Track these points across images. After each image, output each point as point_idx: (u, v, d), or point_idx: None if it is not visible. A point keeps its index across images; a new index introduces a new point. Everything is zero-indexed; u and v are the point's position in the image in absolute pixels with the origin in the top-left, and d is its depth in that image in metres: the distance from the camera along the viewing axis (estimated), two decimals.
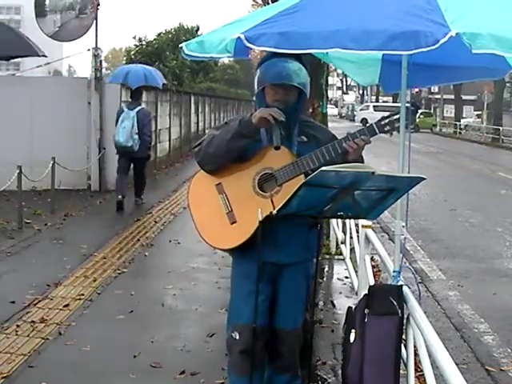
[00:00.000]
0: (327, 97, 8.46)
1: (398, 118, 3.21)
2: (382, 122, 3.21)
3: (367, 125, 3.22)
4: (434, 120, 48.89)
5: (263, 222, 3.09)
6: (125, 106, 10.52)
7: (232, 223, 3.26)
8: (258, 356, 3.35)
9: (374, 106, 50.74)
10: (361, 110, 54.15)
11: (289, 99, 3.24)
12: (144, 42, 19.65)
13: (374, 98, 66.83)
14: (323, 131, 3.47)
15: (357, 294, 5.35)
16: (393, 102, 52.84)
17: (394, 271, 3.48)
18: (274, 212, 2.98)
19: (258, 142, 3.29)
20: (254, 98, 3.41)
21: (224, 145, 3.23)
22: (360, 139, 3.15)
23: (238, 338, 3.34)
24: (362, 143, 3.16)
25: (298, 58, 3.25)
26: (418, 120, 40.29)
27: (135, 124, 9.87)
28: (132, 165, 10.59)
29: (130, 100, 10.67)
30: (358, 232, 6.08)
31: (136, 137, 9.91)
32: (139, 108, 10.22)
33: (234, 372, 3.45)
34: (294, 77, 3.18)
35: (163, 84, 12.69)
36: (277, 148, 3.14)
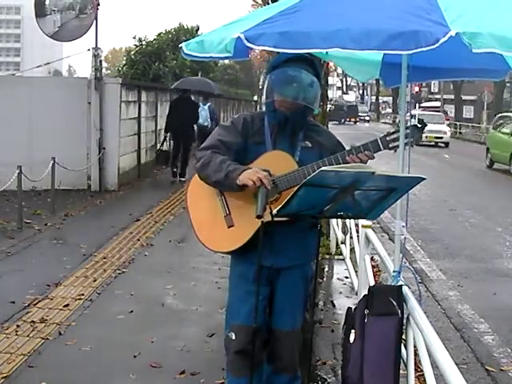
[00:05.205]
0: (327, 97, 8.47)
1: (404, 135, 3.20)
2: (388, 138, 3.19)
3: (372, 140, 3.21)
4: None
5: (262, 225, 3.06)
6: (201, 103, 16.48)
7: (229, 227, 3.24)
8: (256, 356, 3.33)
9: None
10: None
11: (297, 106, 3.21)
12: (144, 42, 19.57)
13: (373, 97, 66.79)
14: (328, 137, 3.44)
15: (357, 294, 5.35)
16: (393, 101, 53.03)
17: (393, 271, 3.48)
18: (274, 212, 2.96)
19: (261, 144, 3.27)
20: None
21: (211, 180, 3.21)
22: (364, 154, 3.14)
23: (234, 338, 3.33)
24: (365, 158, 3.15)
25: (311, 64, 3.22)
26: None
27: (208, 113, 16.36)
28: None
29: (203, 100, 17.00)
30: (357, 232, 6.08)
31: (209, 120, 16.30)
32: (209, 104, 16.79)
33: (230, 372, 3.45)
34: (304, 94, 3.16)
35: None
36: (258, 217, 2.98)
